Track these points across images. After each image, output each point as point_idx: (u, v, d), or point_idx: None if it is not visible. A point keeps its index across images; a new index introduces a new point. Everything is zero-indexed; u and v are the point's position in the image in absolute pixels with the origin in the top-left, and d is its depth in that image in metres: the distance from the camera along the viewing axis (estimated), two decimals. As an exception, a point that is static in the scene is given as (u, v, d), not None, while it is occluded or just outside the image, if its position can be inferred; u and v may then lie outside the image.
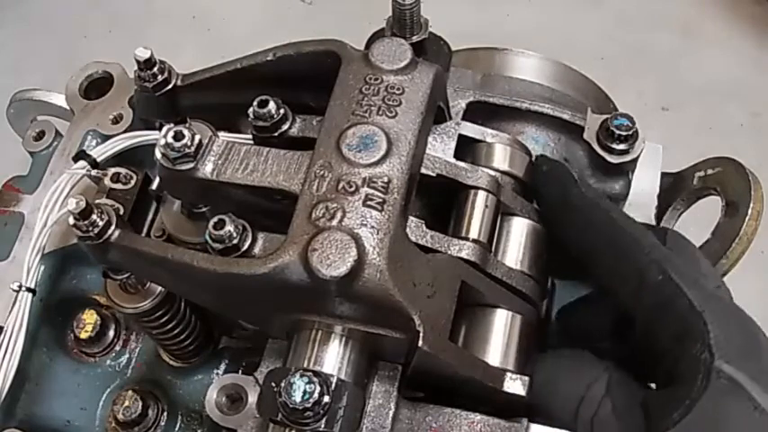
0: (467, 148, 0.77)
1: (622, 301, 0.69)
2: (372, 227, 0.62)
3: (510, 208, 0.75)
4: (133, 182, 0.84)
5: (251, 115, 0.71)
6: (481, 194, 0.73)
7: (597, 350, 0.71)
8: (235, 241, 0.63)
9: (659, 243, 0.69)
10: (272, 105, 0.70)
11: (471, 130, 0.77)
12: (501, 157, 0.77)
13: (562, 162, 0.80)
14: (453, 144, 0.75)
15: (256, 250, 0.64)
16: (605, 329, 0.74)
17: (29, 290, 0.77)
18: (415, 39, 0.81)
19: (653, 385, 0.69)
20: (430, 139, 0.74)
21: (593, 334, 0.75)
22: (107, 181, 0.84)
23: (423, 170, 0.72)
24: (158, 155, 0.66)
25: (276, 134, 0.71)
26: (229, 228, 0.63)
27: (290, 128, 0.72)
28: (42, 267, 0.83)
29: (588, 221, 0.72)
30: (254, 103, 0.70)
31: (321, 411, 0.60)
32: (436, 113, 0.74)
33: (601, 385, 0.67)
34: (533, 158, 0.80)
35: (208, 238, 0.63)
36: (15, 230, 0.88)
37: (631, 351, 0.70)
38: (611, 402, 0.65)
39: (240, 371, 0.82)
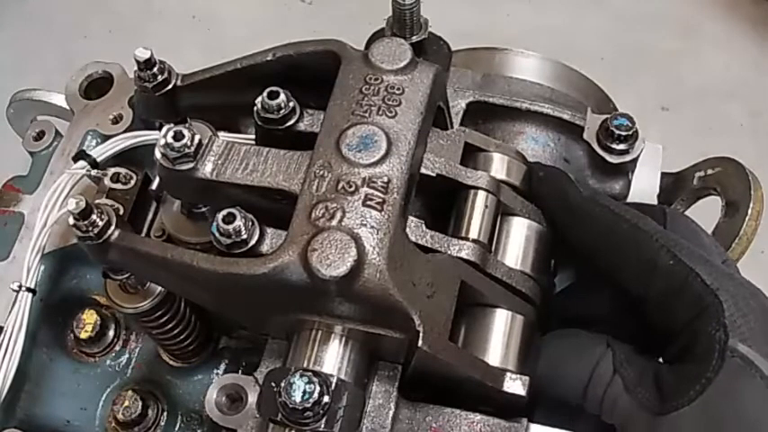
0: (467, 156, 0.77)
1: (632, 288, 0.70)
2: (372, 227, 0.62)
3: (510, 208, 0.75)
4: (133, 182, 0.84)
5: (258, 105, 0.70)
6: (481, 194, 0.72)
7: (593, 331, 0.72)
8: (243, 236, 0.63)
9: (662, 228, 0.70)
10: (282, 97, 0.70)
11: (477, 138, 0.77)
12: (499, 166, 0.77)
13: (558, 166, 0.81)
14: (460, 151, 0.75)
15: (264, 247, 0.64)
16: (601, 313, 0.75)
17: (29, 290, 0.77)
18: (414, 39, 0.81)
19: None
20: (436, 144, 0.74)
21: (589, 318, 0.75)
22: (107, 181, 0.84)
23: (423, 170, 0.72)
24: (158, 155, 0.66)
25: (282, 127, 0.71)
26: (239, 222, 0.63)
27: (297, 122, 0.72)
28: (42, 267, 0.83)
29: (590, 218, 0.72)
30: (264, 94, 0.70)
31: (321, 411, 0.60)
32: (435, 114, 0.74)
33: (607, 363, 0.67)
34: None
35: (215, 231, 0.63)
36: (15, 230, 0.87)
37: (630, 332, 0.71)
38: (621, 380, 0.66)
39: (240, 371, 0.82)
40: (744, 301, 0.65)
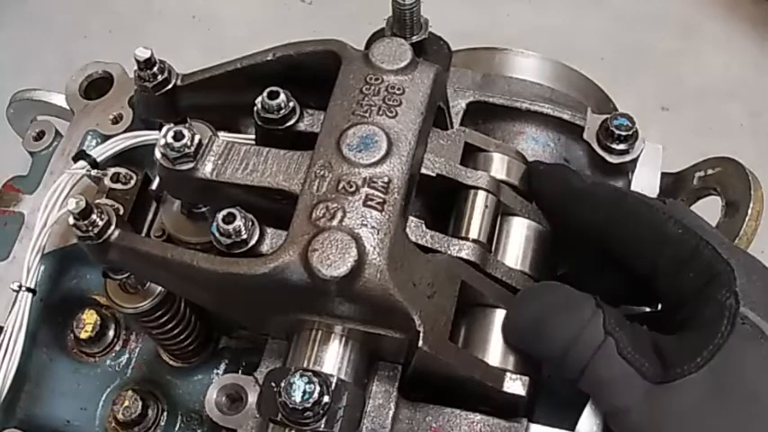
0: (467, 156, 0.77)
1: (640, 264, 0.69)
2: (372, 227, 0.62)
3: (510, 208, 0.75)
4: (133, 182, 0.84)
5: (258, 105, 0.70)
6: (481, 194, 0.73)
7: None
8: (243, 236, 0.63)
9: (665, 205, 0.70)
10: (282, 97, 0.70)
11: (477, 138, 0.77)
12: (499, 166, 0.77)
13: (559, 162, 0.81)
14: (460, 152, 0.75)
15: (264, 247, 0.64)
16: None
17: (29, 290, 0.77)
18: (415, 39, 0.81)
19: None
20: (436, 144, 0.74)
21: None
22: (107, 181, 0.84)
23: (423, 170, 0.72)
24: (158, 155, 0.66)
25: (282, 127, 0.71)
26: (239, 222, 0.63)
27: (297, 122, 0.72)
28: (42, 267, 0.83)
29: (595, 197, 0.72)
30: (264, 94, 0.70)
31: (321, 411, 0.60)
32: (436, 114, 0.74)
33: (597, 325, 0.64)
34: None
35: (215, 231, 0.63)
36: (15, 230, 0.87)
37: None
38: (614, 344, 0.63)
39: (240, 371, 0.82)
40: (753, 271, 0.64)
